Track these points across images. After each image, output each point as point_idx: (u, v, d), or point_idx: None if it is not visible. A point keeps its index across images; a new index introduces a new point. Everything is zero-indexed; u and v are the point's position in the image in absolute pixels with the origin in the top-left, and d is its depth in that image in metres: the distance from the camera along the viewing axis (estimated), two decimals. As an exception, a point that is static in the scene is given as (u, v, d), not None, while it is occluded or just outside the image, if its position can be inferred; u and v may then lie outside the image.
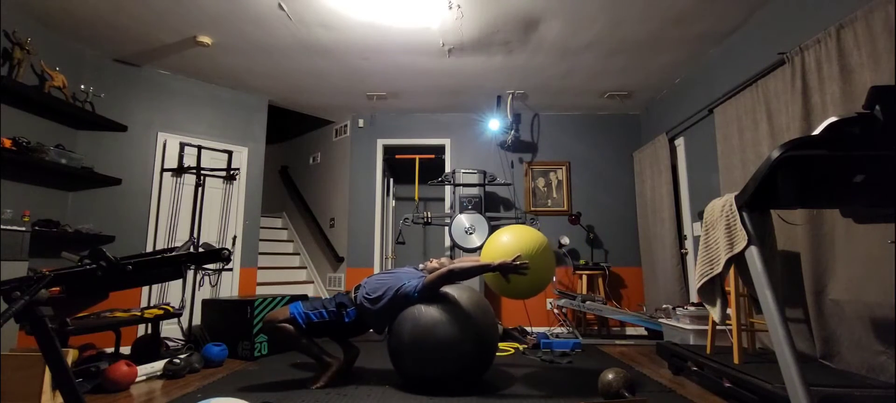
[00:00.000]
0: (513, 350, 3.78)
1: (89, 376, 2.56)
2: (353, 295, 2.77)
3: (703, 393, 2.48)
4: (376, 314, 2.64)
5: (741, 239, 1.68)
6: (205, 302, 3.83)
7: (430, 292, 2.57)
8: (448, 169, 5.12)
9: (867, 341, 2.24)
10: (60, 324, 2.48)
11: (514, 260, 2.42)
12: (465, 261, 2.80)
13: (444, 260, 2.88)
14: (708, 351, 2.64)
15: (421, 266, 2.89)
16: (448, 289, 2.62)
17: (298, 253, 6.08)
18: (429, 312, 2.48)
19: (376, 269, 5.12)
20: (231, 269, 4.43)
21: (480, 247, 4.44)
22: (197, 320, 3.80)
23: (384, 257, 5.27)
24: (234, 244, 4.48)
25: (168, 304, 3.45)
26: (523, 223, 4.32)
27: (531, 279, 2.50)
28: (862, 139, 1.40)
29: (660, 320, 3.86)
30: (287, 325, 2.68)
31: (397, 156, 5.38)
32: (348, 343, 3.01)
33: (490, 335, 2.59)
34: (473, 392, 2.47)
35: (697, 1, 3.08)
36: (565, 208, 5.13)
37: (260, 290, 4.81)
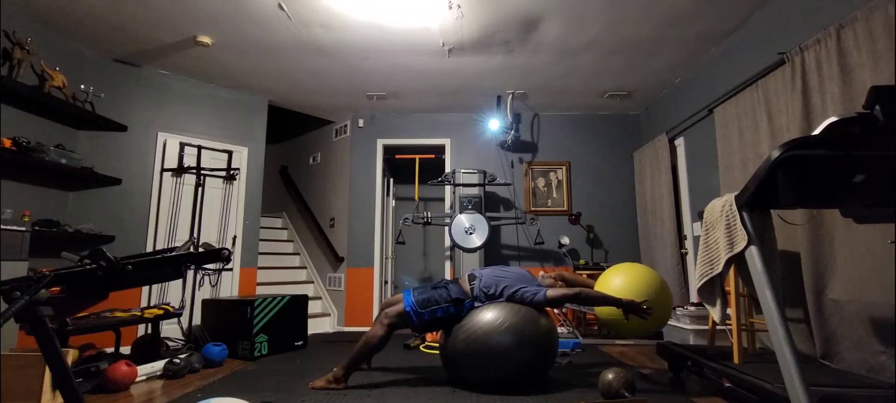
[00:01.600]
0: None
1: (89, 376, 2.56)
2: (467, 287, 2.69)
3: (703, 393, 2.48)
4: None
5: (741, 239, 1.68)
6: (205, 302, 3.83)
7: (554, 305, 2.58)
8: (448, 169, 5.12)
9: (867, 341, 2.23)
10: (60, 324, 2.48)
11: (641, 303, 2.45)
12: (590, 287, 2.76)
13: (552, 273, 2.88)
14: (708, 351, 2.64)
15: (542, 273, 2.91)
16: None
17: (298, 253, 6.08)
18: (489, 317, 2.49)
19: (376, 269, 5.13)
20: (231, 269, 4.43)
21: (480, 247, 4.44)
22: (197, 320, 3.80)
23: (384, 257, 5.27)
24: (234, 244, 4.48)
25: (168, 304, 3.45)
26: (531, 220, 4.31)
27: (649, 323, 2.53)
28: (862, 139, 1.40)
29: (660, 320, 3.85)
30: (389, 329, 2.60)
31: (397, 156, 5.38)
32: None
33: (548, 341, 2.56)
34: (473, 391, 2.47)
35: (697, 1, 3.08)
36: (565, 208, 5.13)
37: (260, 290, 4.80)
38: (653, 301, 2.49)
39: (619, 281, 2.62)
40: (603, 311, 2.64)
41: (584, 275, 4.64)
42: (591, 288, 2.70)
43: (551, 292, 2.56)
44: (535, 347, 2.46)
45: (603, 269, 4.71)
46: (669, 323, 3.63)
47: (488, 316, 2.50)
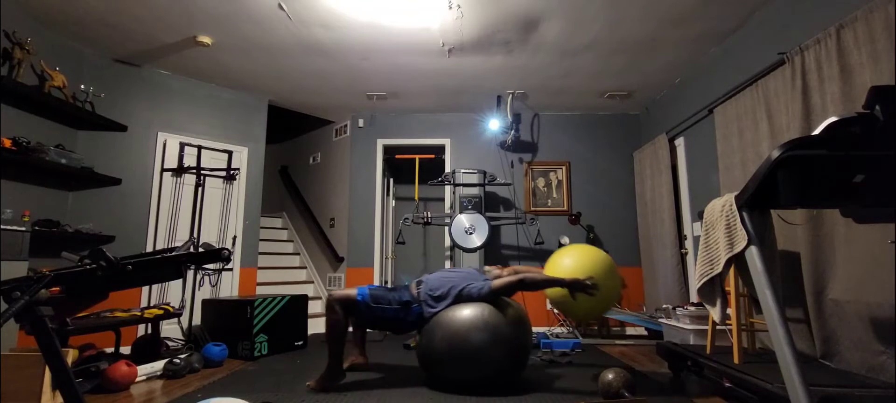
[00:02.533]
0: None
1: (89, 376, 2.56)
2: (414, 292, 2.73)
3: (703, 393, 2.48)
4: (438, 311, 2.62)
5: (741, 239, 1.68)
6: (205, 302, 3.83)
7: (497, 297, 2.58)
8: (448, 169, 5.12)
9: (867, 341, 2.24)
10: (60, 324, 2.48)
11: (585, 280, 2.45)
12: (535, 273, 2.79)
13: (498, 268, 2.88)
14: (708, 351, 2.64)
15: (486, 268, 2.91)
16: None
17: (298, 253, 6.08)
18: (462, 316, 2.49)
19: (376, 269, 5.13)
20: (231, 269, 4.43)
21: (480, 247, 4.44)
22: (197, 320, 3.79)
23: (384, 257, 5.26)
24: (234, 244, 4.48)
25: (168, 304, 3.45)
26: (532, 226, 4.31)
27: (598, 300, 2.52)
28: (862, 139, 1.40)
29: (660, 320, 3.86)
30: (341, 311, 2.60)
31: (397, 156, 5.38)
32: (363, 349, 3.04)
33: (522, 341, 2.56)
34: (472, 392, 2.47)
35: (697, 1, 3.08)
36: (565, 208, 5.13)
37: (260, 290, 4.80)
38: (598, 278, 2.48)
39: (568, 260, 2.63)
40: (552, 294, 2.65)
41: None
42: (535, 274, 2.71)
43: (495, 283, 2.58)
44: (508, 341, 2.46)
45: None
46: (669, 322, 3.63)
47: (465, 313, 2.50)
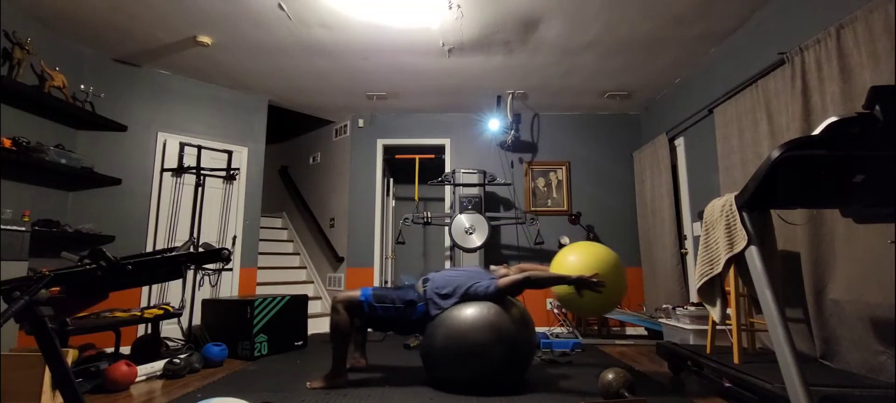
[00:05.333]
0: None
1: (89, 376, 2.56)
2: (420, 290, 2.72)
3: (703, 393, 2.48)
4: (445, 310, 2.62)
5: (741, 239, 1.68)
6: (205, 302, 3.83)
7: (504, 295, 2.58)
8: (448, 169, 5.12)
9: (867, 341, 2.23)
10: (60, 324, 2.48)
11: (591, 277, 2.45)
12: (541, 270, 2.79)
13: (504, 267, 2.88)
14: (708, 351, 2.64)
15: (492, 267, 2.91)
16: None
17: (298, 253, 6.08)
18: (465, 315, 2.49)
19: (376, 269, 5.13)
20: (231, 269, 4.43)
21: (480, 247, 4.44)
22: (197, 320, 3.80)
23: (384, 257, 5.26)
24: (233, 244, 4.48)
25: (168, 304, 3.45)
26: (533, 224, 4.30)
27: (604, 297, 2.52)
28: (862, 139, 1.40)
29: (660, 320, 3.86)
30: (345, 313, 2.62)
31: (397, 156, 5.38)
32: (364, 350, 3.05)
33: (525, 340, 2.56)
34: (471, 392, 2.47)
35: (697, 1, 3.08)
36: (565, 208, 5.13)
37: (260, 290, 4.80)
38: (604, 274, 2.48)
39: (573, 257, 2.62)
40: (559, 291, 2.64)
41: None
42: (541, 271, 2.72)
43: (501, 281, 2.58)
44: (511, 340, 2.46)
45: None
46: (669, 322, 3.63)
47: (468, 312, 2.50)
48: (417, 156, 5.10)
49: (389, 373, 2.97)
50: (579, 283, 2.47)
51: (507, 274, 2.70)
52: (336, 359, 2.64)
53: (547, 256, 5.03)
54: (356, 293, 2.69)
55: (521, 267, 2.90)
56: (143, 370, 2.84)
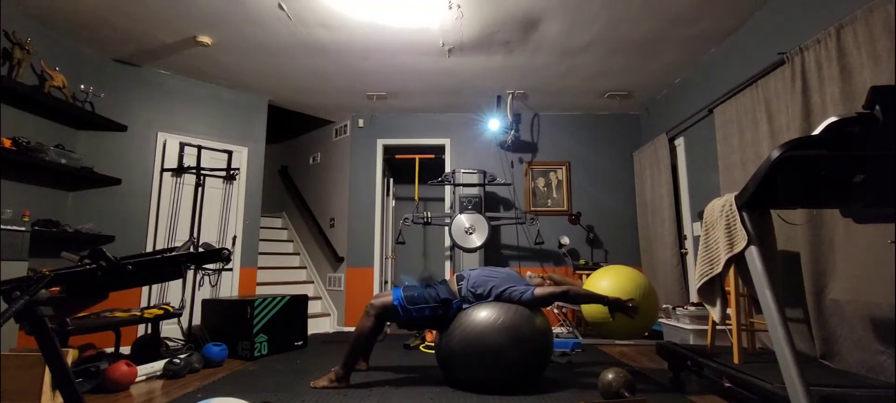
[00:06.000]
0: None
1: (89, 376, 2.56)
2: (455, 288, 2.71)
3: (703, 393, 2.48)
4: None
5: (741, 239, 1.68)
6: (205, 302, 3.83)
7: (539, 305, 2.59)
8: (448, 169, 5.12)
9: (867, 341, 2.24)
10: (60, 324, 2.47)
11: (627, 301, 2.47)
12: (579, 286, 2.80)
13: (539, 276, 2.89)
14: (708, 351, 2.64)
15: (528, 273, 2.93)
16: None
17: (298, 253, 6.08)
18: (487, 317, 2.50)
19: (376, 269, 5.13)
20: (231, 269, 4.43)
21: (480, 247, 4.44)
22: (197, 320, 3.79)
23: (384, 257, 5.26)
24: (233, 244, 4.48)
25: (168, 304, 3.44)
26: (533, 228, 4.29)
27: (635, 322, 2.54)
28: (862, 139, 1.40)
29: (660, 320, 3.86)
30: (376, 320, 2.61)
31: (397, 156, 5.38)
32: (368, 355, 3.04)
33: (543, 339, 2.57)
34: (471, 391, 2.47)
35: (697, 1, 3.08)
36: (565, 208, 5.13)
37: (260, 290, 4.80)
38: (639, 300, 2.51)
39: (607, 282, 2.65)
40: (590, 310, 2.66)
41: (583, 276, 4.66)
42: (578, 287, 2.73)
43: (539, 290, 2.58)
44: (531, 345, 2.46)
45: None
46: (669, 322, 3.63)
47: (483, 314, 2.50)
48: (417, 156, 5.10)
49: (389, 373, 2.97)
50: (615, 306, 2.48)
51: (542, 283, 2.70)
52: (349, 363, 2.64)
53: (548, 256, 5.04)
54: (389, 298, 2.66)
55: (553, 278, 2.91)
56: (143, 370, 2.84)
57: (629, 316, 2.47)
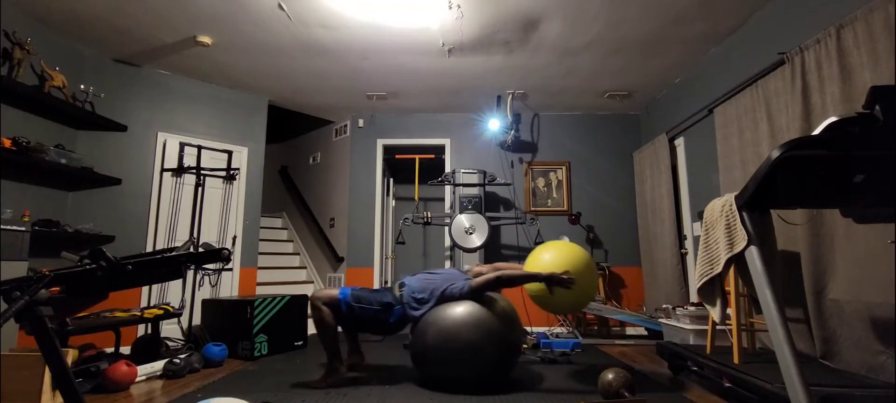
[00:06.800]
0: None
1: (89, 376, 2.56)
2: (397, 294, 2.75)
3: (703, 393, 2.48)
4: (422, 313, 2.65)
5: (741, 239, 1.68)
6: (205, 302, 3.83)
7: (478, 294, 2.60)
8: (448, 169, 5.12)
9: (867, 341, 2.23)
10: (60, 324, 2.48)
11: (562, 274, 2.48)
12: (512, 269, 2.83)
13: (484, 266, 2.90)
14: (708, 351, 2.64)
15: (466, 267, 2.93)
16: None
17: (298, 253, 6.08)
18: (453, 314, 2.51)
19: (376, 269, 5.13)
20: (231, 269, 4.43)
21: (480, 247, 4.44)
22: (197, 320, 3.79)
23: (384, 257, 5.27)
24: (233, 244, 4.48)
25: (168, 304, 3.45)
26: (530, 223, 4.30)
27: (575, 294, 2.55)
28: (862, 139, 1.40)
29: (660, 320, 3.86)
30: (326, 309, 2.65)
31: (397, 156, 5.38)
32: (358, 347, 3.05)
33: (512, 339, 2.59)
34: (471, 392, 2.47)
35: (697, 1, 3.08)
36: (565, 208, 5.13)
37: (260, 290, 4.80)
38: (574, 271, 2.51)
39: (548, 256, 2.65)
40: (531, 290, 2.67)
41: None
42: (512, 270, 2.75)
43: (474, 282, 2.61)
44: (497, 335, 2.48)
45: (603, 269, 4.73)
46: (669, 322, 3.63)
47: (458, 310, 2.52)
48: (417, 156, 5.10)
49: (389, 373, 2.97)
50: (550, 280, 2.51)
51: (481, 273, 2.73)
52: (330, 355, 2.68)
53: (547, 256, 5.03)
54: (334, 292, 2.72)
55: (496, 266, 2.94)
56: (143, 370, 2.84)
57: (566, 286, 2.49)
